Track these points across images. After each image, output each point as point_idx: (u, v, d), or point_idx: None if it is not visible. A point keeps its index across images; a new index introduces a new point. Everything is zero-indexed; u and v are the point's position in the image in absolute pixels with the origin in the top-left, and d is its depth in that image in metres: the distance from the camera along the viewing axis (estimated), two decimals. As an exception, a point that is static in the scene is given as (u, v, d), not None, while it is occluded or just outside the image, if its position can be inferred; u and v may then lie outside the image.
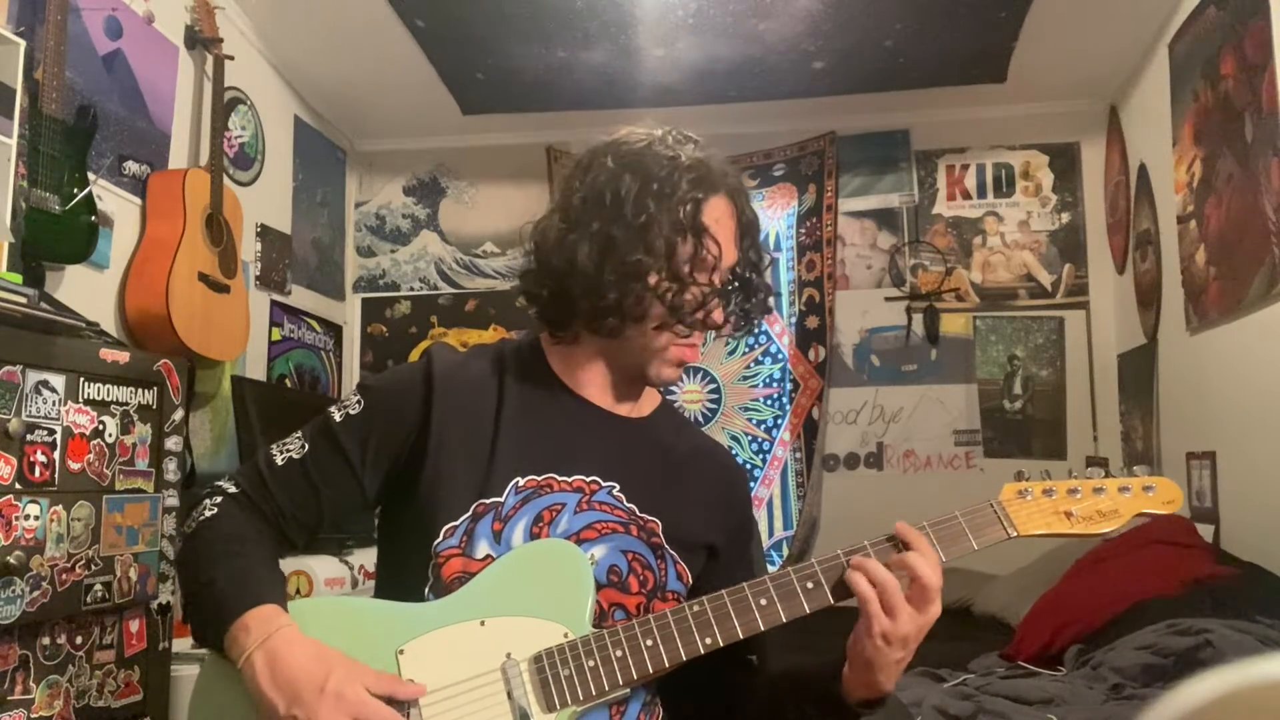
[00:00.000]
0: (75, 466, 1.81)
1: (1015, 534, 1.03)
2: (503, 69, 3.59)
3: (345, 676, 0.95)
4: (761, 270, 1.17)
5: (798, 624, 1.03)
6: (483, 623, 1.01)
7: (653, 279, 1.06)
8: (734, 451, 3.98)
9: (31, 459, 1.70)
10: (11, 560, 1.63)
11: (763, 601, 1.01)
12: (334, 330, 4.05)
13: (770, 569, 1.07)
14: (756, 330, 1.26)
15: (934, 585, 0.97)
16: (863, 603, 0.98)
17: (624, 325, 1.09)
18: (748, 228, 1.14)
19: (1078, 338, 3.92)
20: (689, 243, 1.07)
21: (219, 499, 1.10)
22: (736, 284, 1.14)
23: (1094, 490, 1.04)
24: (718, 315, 1.12)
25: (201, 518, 1.08)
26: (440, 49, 3.46)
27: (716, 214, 1.10)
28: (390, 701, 0.96)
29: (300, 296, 3.77)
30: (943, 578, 0.99)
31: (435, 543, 1.06)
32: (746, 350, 4.11)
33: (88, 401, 1.85)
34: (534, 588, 1.03)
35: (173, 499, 2.08)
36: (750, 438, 4.09)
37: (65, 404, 1.79)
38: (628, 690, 1.01)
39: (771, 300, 1.21)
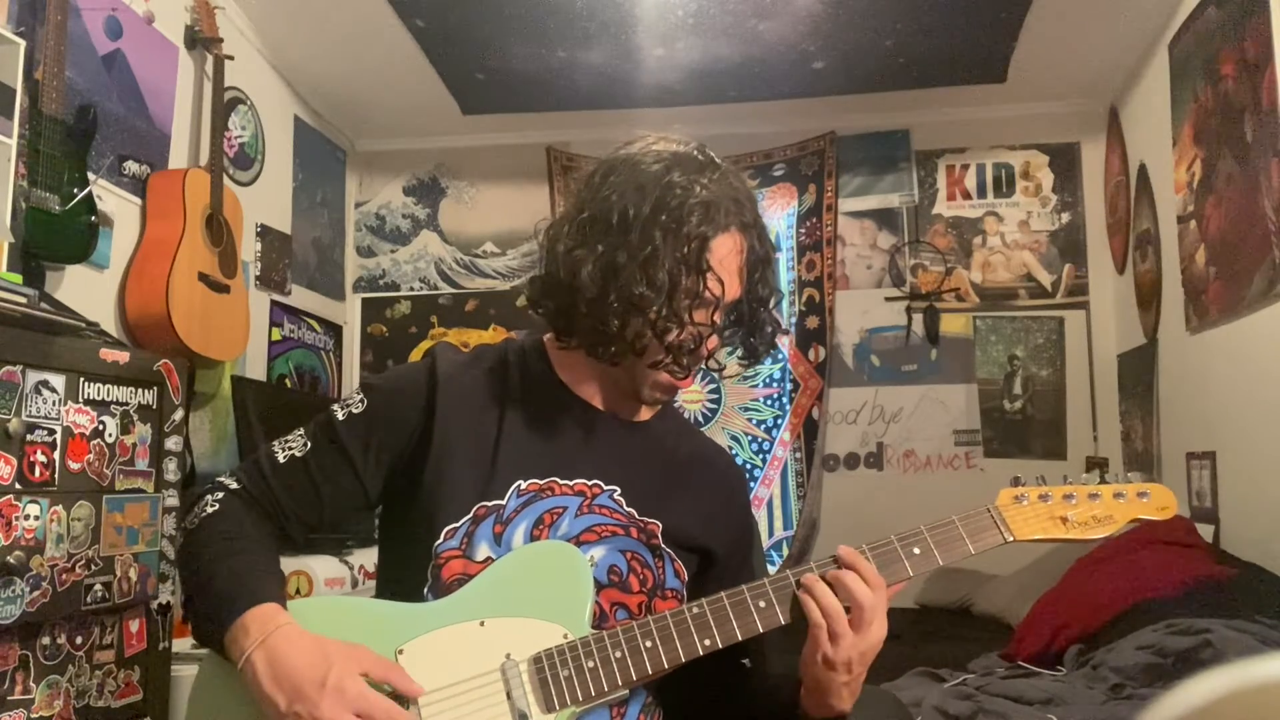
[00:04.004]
0: (75, 466, 1.81)
1: (1012, 539, 1.04)
2: (503, 69, 3.59)
3: (345, 670, 0.94)
4: (770, 306, 1.15)
5: (800, 624, 1.03)
6: (482, 623, 1.01)
7: (652, 314, 1.05)
8: (734, 451, 3.99)
9: (31, 459, 1.70)
10: (11, 560, 1.63)
11: (761, 604, 1.02)
12: (334, 330, 4.05)
13: (770, 570, 1.07)
14: (763, 362, 1.25)
15: (870, 606, 0.98)
16: (812, 629, 0.99)
17: (623, 355, 1.09)
18: (757, 263, 1.12)
19: (1078, 338, 3.92)
20: (691, 280, 1.06)
21: (220, 495, 1.10)
22: (738, 319, 1.13)
23: (1089, 496, 1.06)
24: (705, 352, 1.11)
25: (203, 514, 1.08)
26: (440, 49, 3.46)
27: (723, 251, 1.08)
28: (390, 692, 0.96)
29: (300, 296, 3.77)
30: (886, 600, 1.00)
31: (435, 544, 1.06)
32: (746, 350, 4.11)
33: (88, 401, 1.85)
34: (534, 589, 1.03)
35: (173, 499, 2.08)
36: (750, 438, 4.09)
37: (65, 404, 1.79)
38: (627, 691, 1.02)
39: (780, 337, 1.20)
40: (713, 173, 1.10)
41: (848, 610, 0.99)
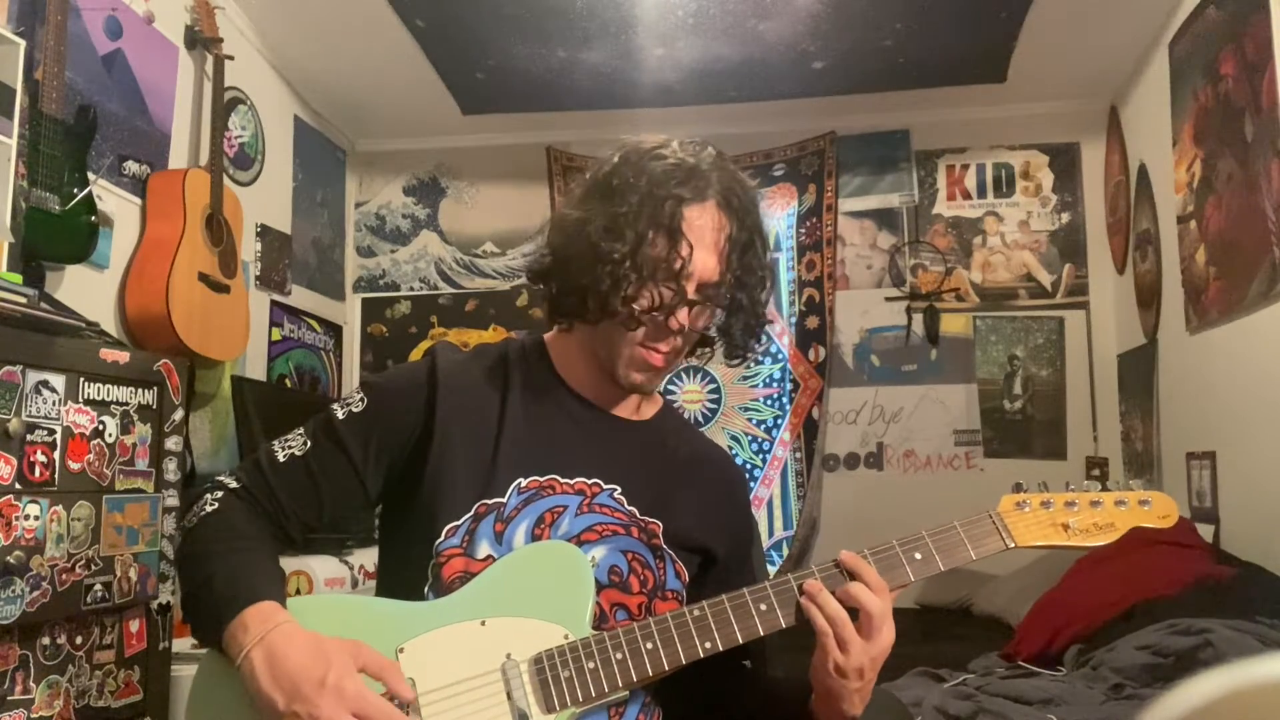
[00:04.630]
0: (75, 466, 1.81)
1: (1013, 545, 1.04)
2: (503, 69, 3.59)
3: (345, 669, 0.94)
4: (753, 293, 1.12)
5: (798, 627, 1.03)
6: (483, 623, 1.01)
7: (611, 264, 1.05)
8: (734, 451, 3.99)
9: (31, 459, 1.70)
10: (11, 560, 1.63)
11: (763, 607, 1.02)
12: (334, 330, 4.05)
13: (771, 570, 1.07)
14: (752, 357, 1.21)
15: (878, 613, 0.98)
16: (820, 637, 0.99)
17: (592, 310, 1.07)
18: (738, 245, 1.09)
19: (1078, 338, 3.92)
20: (661, 241, 1.05)
21: (220, 494, 1.10)
22: (714, 298, 1.10)
23: (1091, 503, 1.06)
24: (674, 321, 1.07)
25: (202, 513, 1.08)
26: (440, 49, 3.46)
27: (699, 221, 1.06)
28: (386, 691, 0.96)
29: (300, 296, 3.77)
30: (891, 603, 1.00)
31: (436, 542, 1.06)
32: (746, 350, 4.10)
33: (88, 401, 1.85)
34: (535, 589, 1.03)
35: (173, 499, 2.08)
36: (750, 438, 4.09)
37: (65, 404, 1.79)
38: (627, 693, 1.01)
39: (766, 327, 1.18)
40: (707, 153, 1.11)
41: (853, 615, 0.99)
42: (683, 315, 1.08)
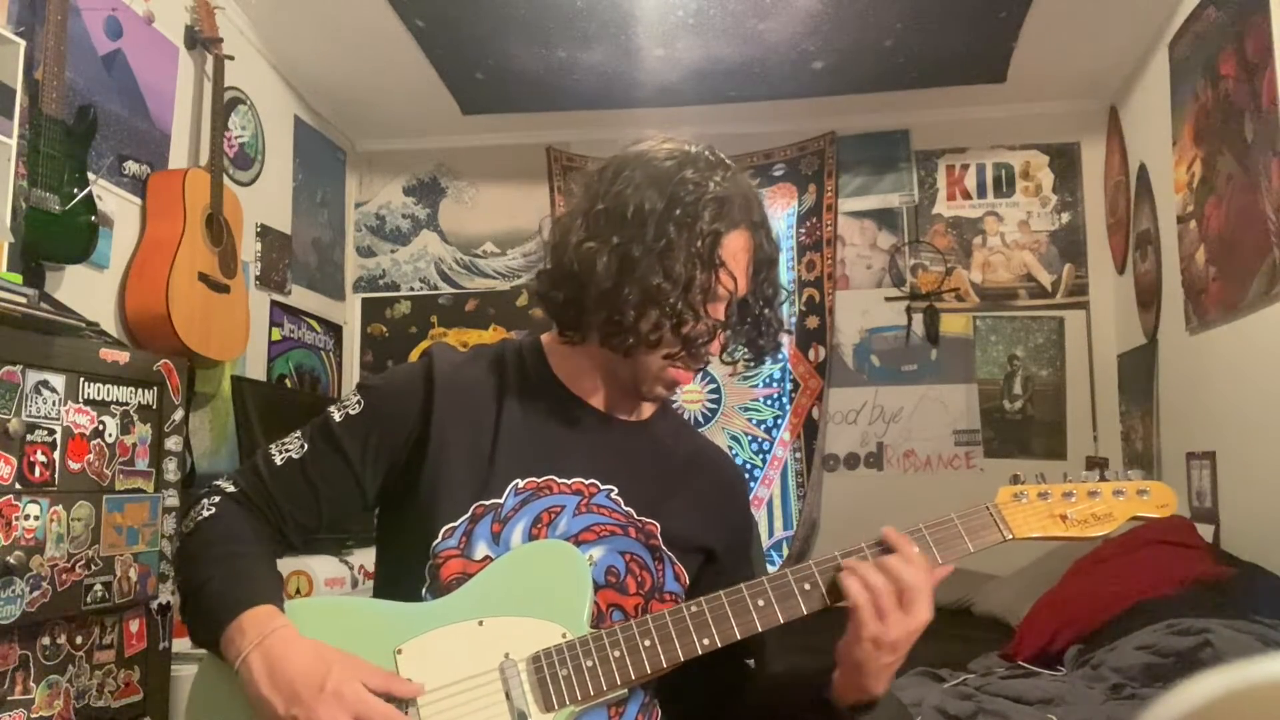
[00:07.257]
0: (75, 466, 1.81)
1: (1011, 536, 1.04)
2: (503, 69, 3.59)
3: (344, 674, 0.94)
4: (775, 305, 1.16)
5: (797, 624, 1.03)
6: (481, 623, 1.01)
7: (668, 306, 1.06)
8: (734, 451, 3.99)
9: (31, 459, 1.70)
10: (11, 560, 1.63)
11: (760, 603, 1.01)
12: (334, 330, 4.05)
13: (770, 570, 1.07)
14: (769, 361, 1.27)
15: (916, 587, 0.97)
16: (855, 607, 0.98)
17: (637, 347, 1.09)
18: (764, 262, 1.13)
19: (1078, 338, 3.92)
20: (705, 275, 1.07)
21: (217, 498, 1.10)
22: (745, 316, 1.14)
23: (1089, 494, 1.05)
24: (714, 347, 1.12)
25: (200, 517, 1.08)
26: (440, 49, 3.46)
27: (734, 248, 1.09)
28: (389, 699, 0.96)
29: (300, 296, 3.77)
30: (933, 581, 0.99)
31: (434, 543, 1.06)
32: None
33: (88, 401, 1.85)
34: (532, 588, 1.03)
35: (173, 499, 2.08)
36: (750, 438, 4.09)
37: (65, 404, 1.79)
38: (625, 691, 1.01)
39: (784, 336, 1.21)
40: (724, 171, 1.11)
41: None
42: (721, 337, 1.11)
